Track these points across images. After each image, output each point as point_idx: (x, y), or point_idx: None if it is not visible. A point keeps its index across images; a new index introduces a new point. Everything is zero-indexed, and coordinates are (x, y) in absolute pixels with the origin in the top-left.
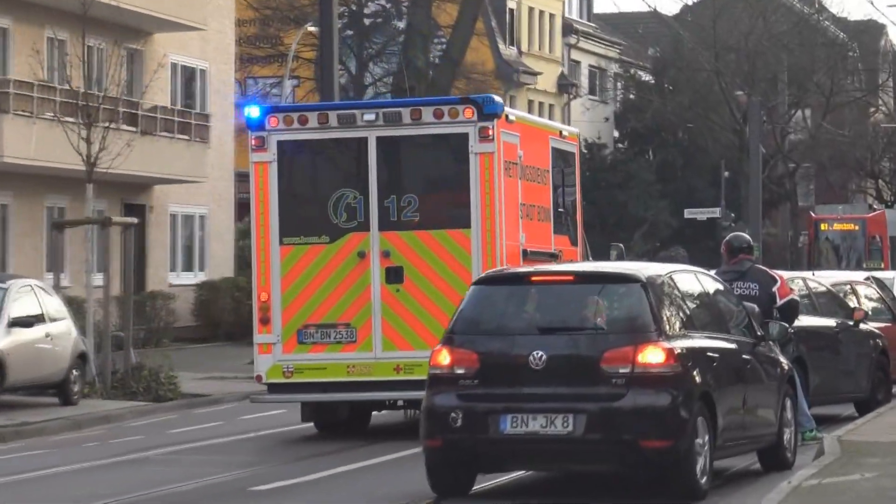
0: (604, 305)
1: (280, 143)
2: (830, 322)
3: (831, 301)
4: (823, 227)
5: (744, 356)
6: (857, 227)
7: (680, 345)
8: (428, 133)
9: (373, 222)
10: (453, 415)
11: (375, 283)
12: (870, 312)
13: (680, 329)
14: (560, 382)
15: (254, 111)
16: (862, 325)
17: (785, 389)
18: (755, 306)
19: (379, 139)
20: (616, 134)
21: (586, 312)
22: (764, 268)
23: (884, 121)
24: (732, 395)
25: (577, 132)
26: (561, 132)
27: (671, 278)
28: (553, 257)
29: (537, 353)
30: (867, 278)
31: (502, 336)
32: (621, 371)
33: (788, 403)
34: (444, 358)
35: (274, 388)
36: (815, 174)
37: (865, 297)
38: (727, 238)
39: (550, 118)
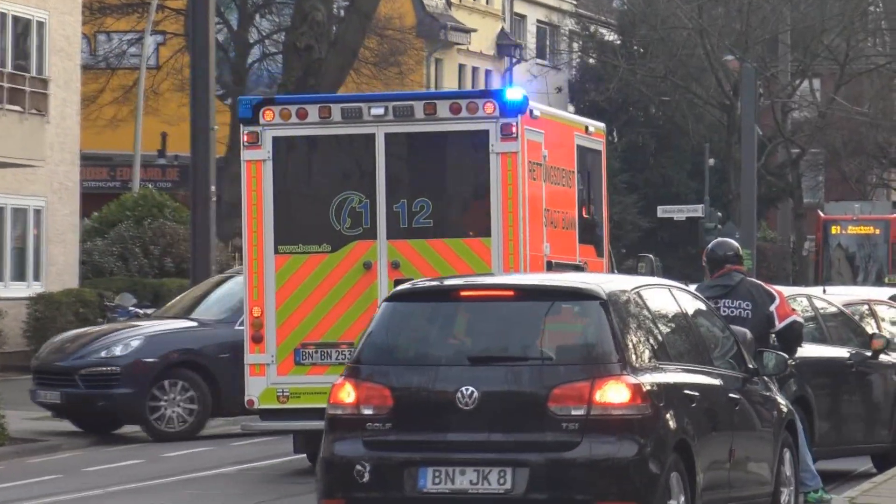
0: (552, 328)
1: (276, 140)
2: (842, 352)
3: (844, 325)
4: (835, 230)
5: (731, 395)
6: (877, 231)
7: (649, 380)
8: (444, 130)
9: (380, 229)
10: (359, 467)
11: (383, 298)
12: (893, 340)
13: (650, 360)
14: (496, 427)
15: (246, 103)
16: (882, 357)
17: (783, 438)
18: (746, 331)
19: (388, 136)
20: (571, 108)
21: (530, 337)
22: (759, 282)
23: None
24: (716, 444)
25: (603, 127)
26: (587, 128)
27: (639, 295)
28: (578, 270)
29: (467, 390)
30: (893, 297)
31: (422, 367)
32: (574, 413)
33: (787, 456)
34: (347, 394)
35: (267, 414)
36: (826, 163)
37: (888, 321)
38: (710, 246)
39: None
